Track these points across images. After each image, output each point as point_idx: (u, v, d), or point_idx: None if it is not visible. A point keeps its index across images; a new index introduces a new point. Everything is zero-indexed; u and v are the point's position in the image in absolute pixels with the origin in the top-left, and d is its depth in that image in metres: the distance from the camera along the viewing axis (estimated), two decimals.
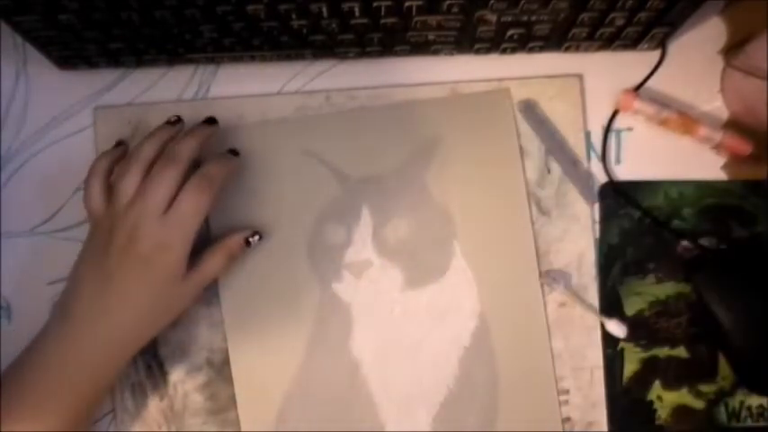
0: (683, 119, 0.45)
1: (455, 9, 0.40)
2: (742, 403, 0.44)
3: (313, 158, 0.46)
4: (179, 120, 0.43)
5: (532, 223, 0.45)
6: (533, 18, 0.41)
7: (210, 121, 0.43)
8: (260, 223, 0.45)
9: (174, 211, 0.39)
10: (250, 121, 0.46)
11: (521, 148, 0.46)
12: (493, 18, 0.41)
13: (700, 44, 0.47)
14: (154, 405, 0.45)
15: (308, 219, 0.45)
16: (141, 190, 0.39)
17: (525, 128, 0.46)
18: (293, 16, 0.40)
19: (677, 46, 0.46)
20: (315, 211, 0.45)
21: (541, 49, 0.45)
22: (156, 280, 0.39)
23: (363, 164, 0.46)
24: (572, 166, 0.46)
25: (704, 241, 0.45)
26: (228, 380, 0.44)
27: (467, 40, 0.44)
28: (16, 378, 0.38)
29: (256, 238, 0.43)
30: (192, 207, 0.39)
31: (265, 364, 0.44)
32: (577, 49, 0.45)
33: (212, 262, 0.42)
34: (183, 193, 0.39)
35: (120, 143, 0.44)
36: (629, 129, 0.47)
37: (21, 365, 0.39)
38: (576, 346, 0.45)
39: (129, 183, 0.39)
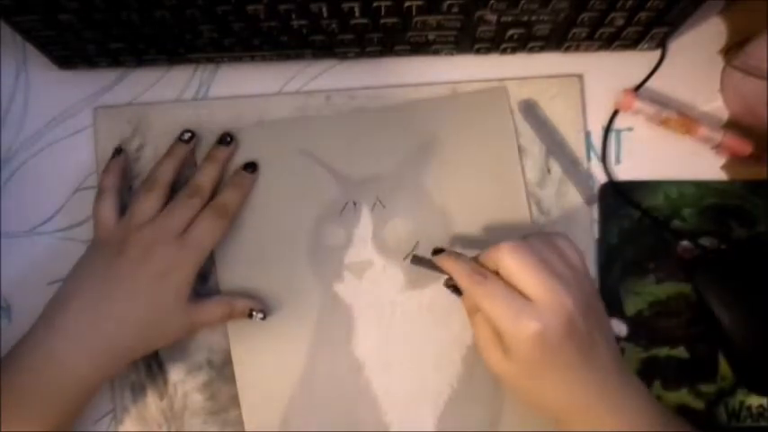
0: (683, 119, 0.45)
1: (455, 9, 0.40)
2: (742, 403, 0.44)
3: (311, 159, 0.46)
4: (192, 137, 0.45)
5: (532, 221, 0.45)
6: (533, 18, 0.41)
7: (227, 141, 0.45)
8: (259, 225, 0.45)
9: (189, 234, 0.41)
10: (249, 121, 0.46)
11: (521, 147, 0.46)
12: (493, 18, 0.41)
13: (700, 44, 0.47)
14: (154, 405, 0.45)
15: (308, 220, 0.45)
16: (163, 213, 0.41)
17: (525, 128, 0.46)
18: (293, 16, 0.40)
19: (677, 46, 0.46)
20: (314, 212, 0.45)
21: (541, 49, 0.45)
22: (160, 298, 0.40)
23: (362, 164, 0.46)
24: (572, 166, 0.46)
25: (704, 241, 0.45)
26: (229, 380, 0.44)
27: (467, 40, 0.44)
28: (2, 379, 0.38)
29: (260, 315, 0.43)
30: (207, 233, 0.42)
31: (268, 367, 0.44)
32: (577, 49, 0.45)
33: (213, 309, 0.42)
34: (201, 220, 0.42)
35: (118, 150, 0.45)
36: (629, 129, 0.47)
37: (6, 366, 0.38)
38: None
39: (149, 205, 0.42)
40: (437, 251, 0.41)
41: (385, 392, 0.44)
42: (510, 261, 0.36)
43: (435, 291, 0.44)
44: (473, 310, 0.39)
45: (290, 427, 0.44)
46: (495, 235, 0.45)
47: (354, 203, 0.45)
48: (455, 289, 0.40)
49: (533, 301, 0.36)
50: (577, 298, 0.36)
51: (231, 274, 0.45)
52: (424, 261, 0.41)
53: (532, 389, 0.37)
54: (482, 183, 0.45)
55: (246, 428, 0.44)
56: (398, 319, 0.44)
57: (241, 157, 0.45)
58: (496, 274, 0.37)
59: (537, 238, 0.38)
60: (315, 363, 0.44)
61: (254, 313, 0.43)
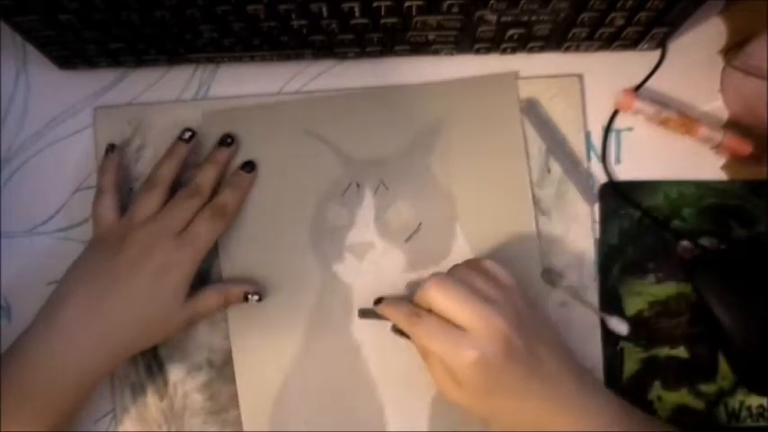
0: (683, 119, 0.45)
1: (455, 9, 0.40)
2: (742, 403, 0.44)
3: (316, 139, 0.46)
4: (193, 135, 0.45)
5: (534, 204, 0.45)
6: (533, 18, 0.41)
7: (228, 142, 0.45)
8: (262, 204, 0.45)
9: (188, 233, 0.41)
10: (253, 101, 0.46)
11: None
12: (493, 18, 0.41)
13: (700, 44, 0.47)
14: (154, 405, 0.45)
15: (311, 200, 0.45)
16: (162, 212, 0.42)
17: (526, 127, 0.46)
18: (293, 16, 0.40)
19: (677, 46, 0.46)
20: (317, 192, 0.45)
21: (541, 49, 0.45)
22: (159, 296, 0.40)
23: (367, 145, 0.46)
24: (572, 166, 0.46)
25: (704, 241, 0.45)
26: (229, 380, 0.44)
27: (467, 40, 0.44)
28: (1, 377, 0.38)
29: (255, 298, 0.43)
30: (205, 232, 0.42)
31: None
32: (577, 49, 0.45)
33: (209, 299, 0.43)
34: (200, 220, 0.42)
35: (110, 148, 0.45)
36: (629, 129, 0.47)
37: (6, 364, 0.38)
38: (576, 346, 0.44)
39: (149, 204, 0.42)
40: (378, 301, 0.42)
41: (381, 374, 0.44)
42: (437, 296, 0.38)
43: None
44: (425, 352, 0.40)
45: (287, 407, 0.44)
46: (499, 219, 0.45)
47: (358, 185, 0.45)
48: (402, 333, 0.41)
49: (468, 330, 0.37)
50: (510, 317, 0.37)
51: (233, 253, 0.45)
52: (369, 312, 0.42)
53: (491, 412, 0.38)
54: (486, 167, 0.46)
55: (245, 428, 0.44)
56: None
57: (247, 137, 0.45)
58: (431, 311, 0.38)
59: (462, 266, 0.40)
60: (313, 344, 0.44)
61: (249, 296, 0.43)
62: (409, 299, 0.40)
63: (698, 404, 0.44)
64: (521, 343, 0.37)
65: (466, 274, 0.39)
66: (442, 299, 0.37)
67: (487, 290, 0.38)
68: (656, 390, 0.44)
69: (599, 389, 0.39)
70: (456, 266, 0.40)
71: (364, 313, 0.44)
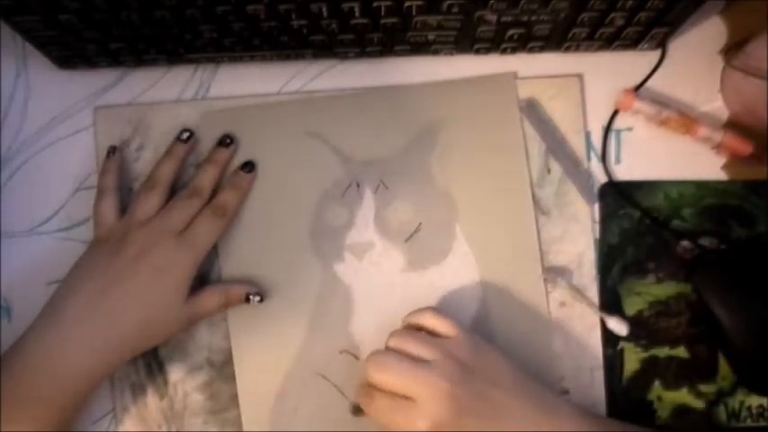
0: (683, 119, 0.45)
1: (455, 9, 0.40)
2: (742, 403, 0.44)
3: (316, 139, 0.46)
4: (191, 136, 0.45)
5: (534, 204, 0.45)
6: (533, 18, 0.41)
7: (227, 143, 0.45)
8: (262, 204, 0.45)
9: (189, 233, 0.42)
10: (253, 101, 0.46)
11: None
12: (493, 18, 0.41)
13: (700, 44, 0.47)
14: (154, 405, 0.45)
15: (311, 200, 0.45)
16: (163, 212, 0.42)
17: (526, 127, 0.46)
18: (293, 16, 0.40)
19: (677, 46, 0.46)
20: (317, 192, 0.46)
21: (541, 49, 0.45)
22: (160, 295, 0.40)
23: (367, 146, 0.46)
24: (572, 166, 0.46)
25: (704, 241, 0.45)
26: (229, 380, 0.44)
27: (467, 40, 0.44)
28: (2, 377, 0.38)
29: (257, 298, 0.43)
30: (205, 232, 0.42)
31: (266, 345, 0.44)
32: (577, 49, 0.45)
33: (210, 299, 0.43)
34: (200, 220, 0.42)
35: (112, 150, 0.45)
36: (629, 129, 0.47)
37: (6, 364, 0.38)
38: (575, 346, 0.45)
39: (150, 204, 0.42)
40: None
41: None
42: (375, 375, 0.38)
43: (435, 273, 0.45)
44: None
45: (286, 407, 0.44)
46: (499, 219, 0.45)
47: (357, 185, 0.45)
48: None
49: (415, 400, 0.37)
50: (451, 373, 0.37)
51: (233, 253, 0.45)
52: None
53: None
54: (486, 167, 0.46)
55: (245, 428, 0.44)
56: (397, 300, 0.44)
57: (246, 137, 0.46)
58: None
59: (397, 333, 0.40)
60: (312, 343, 0.44)
61: (250, 297, 0.43)
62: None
63: (698, 404, 0.44)
64: (469, 395, 0.37)
65: (400, 342, 0.39)
66: (380, 377, 0.38)
67: (423, 352, 0.38)
68: (656, 390, 0.44)
69: (569, 410, 0.39)
70: (392, 334, 0.40)
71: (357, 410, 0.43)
